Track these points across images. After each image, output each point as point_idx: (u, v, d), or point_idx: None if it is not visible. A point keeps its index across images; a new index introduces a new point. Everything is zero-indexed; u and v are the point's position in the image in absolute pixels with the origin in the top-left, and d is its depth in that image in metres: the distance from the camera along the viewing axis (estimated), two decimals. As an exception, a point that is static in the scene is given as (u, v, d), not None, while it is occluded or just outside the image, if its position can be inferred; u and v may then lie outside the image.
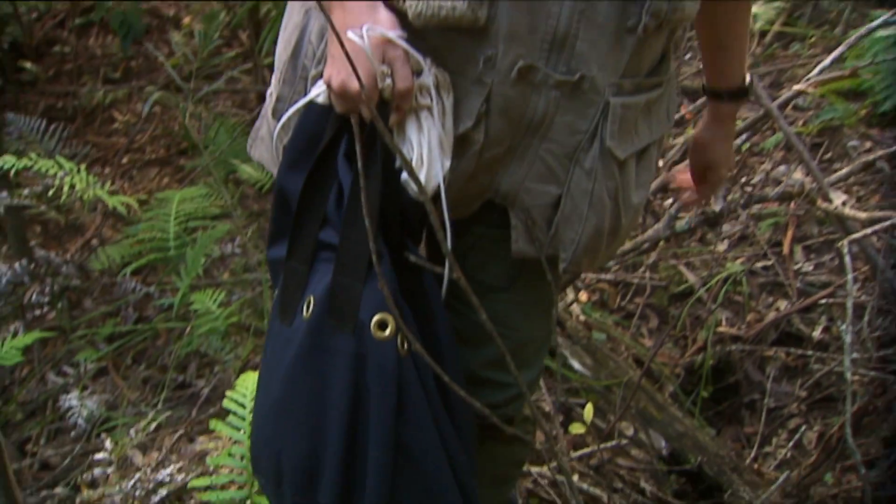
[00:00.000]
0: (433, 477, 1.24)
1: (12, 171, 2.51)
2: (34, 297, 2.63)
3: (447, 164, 1.15)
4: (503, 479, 1.65)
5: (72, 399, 2.34)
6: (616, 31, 1.10)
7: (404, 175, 1.14)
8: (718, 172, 1.48)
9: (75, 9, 4.66)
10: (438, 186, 1.14)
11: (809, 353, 2.40)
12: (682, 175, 1.55)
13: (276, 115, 1.27)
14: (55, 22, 4.87)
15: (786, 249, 2.55)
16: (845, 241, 1.67)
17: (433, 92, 1.12)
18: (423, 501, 1.26)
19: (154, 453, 2.19)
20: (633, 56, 1.14)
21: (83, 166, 2.71)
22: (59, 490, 2.15)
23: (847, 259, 1.65)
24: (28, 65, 4.55)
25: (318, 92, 1.16)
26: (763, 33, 3.94)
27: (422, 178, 1.14)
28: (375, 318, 1.15)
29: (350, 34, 1.06)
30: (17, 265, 2.49)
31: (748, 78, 1.43)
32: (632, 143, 1.21)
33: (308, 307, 1.20)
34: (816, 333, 2.46)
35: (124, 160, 4.35)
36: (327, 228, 1.19)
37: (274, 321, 1.27)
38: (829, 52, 2.85)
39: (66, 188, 2.59)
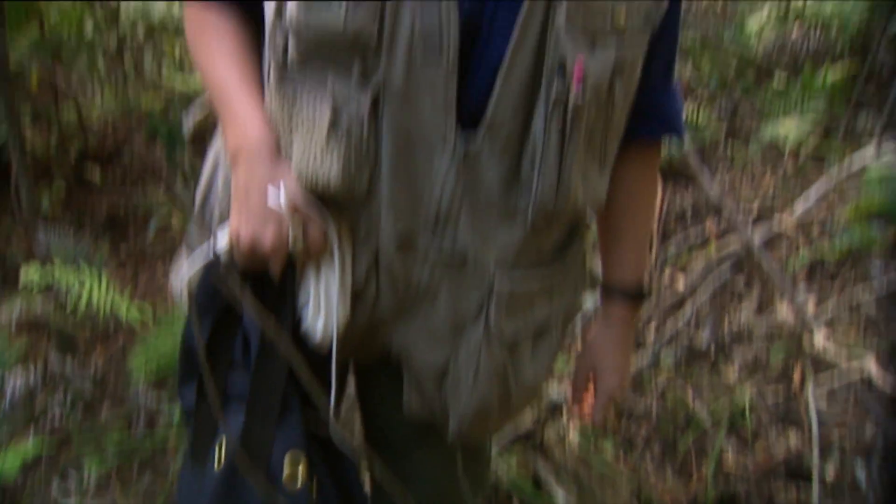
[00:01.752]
0: None
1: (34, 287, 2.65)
2: (52, 407, 2.71)
3: (346, 313, 1.15)
4: None
5: (69, 512, 2.37)
6: (502, 214, 1.06)
7: (305, 323, 1.15)
8: (605, 383, 1.29)
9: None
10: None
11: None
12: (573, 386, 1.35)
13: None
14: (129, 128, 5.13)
15: (796, 379, 2.43)
16: (811, 396, 1.57)
17: (335, 246, 1.12)
18: None
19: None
20: (529, 240, 1.09)
21: (104, 274, 2.84)
22: None
23: (815, 429, 1.54)
24: (94, 170, 4.73)
25: (221, 245, 1.14)
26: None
27: (319, 326, 1.15)
28: (287, 471, 1.15)
29: (270, 193, 1.06)
30: (31, 376, 2.58)
31: (646, 279, 1.28)
32: (525, 324, 1.15)
33: (220, 451, 1.21)
34: (829, 473, 2.31)
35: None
36: (236, 372, 1.19)
37: (187, 463, 1.28)
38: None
39: (83, 301, 2.71)
